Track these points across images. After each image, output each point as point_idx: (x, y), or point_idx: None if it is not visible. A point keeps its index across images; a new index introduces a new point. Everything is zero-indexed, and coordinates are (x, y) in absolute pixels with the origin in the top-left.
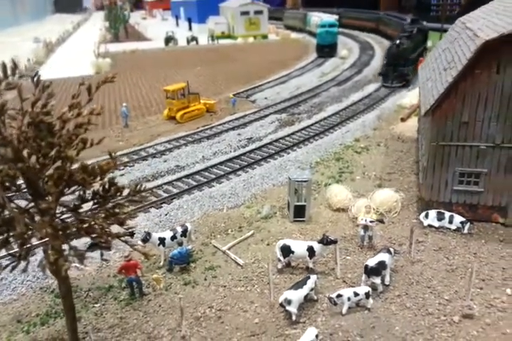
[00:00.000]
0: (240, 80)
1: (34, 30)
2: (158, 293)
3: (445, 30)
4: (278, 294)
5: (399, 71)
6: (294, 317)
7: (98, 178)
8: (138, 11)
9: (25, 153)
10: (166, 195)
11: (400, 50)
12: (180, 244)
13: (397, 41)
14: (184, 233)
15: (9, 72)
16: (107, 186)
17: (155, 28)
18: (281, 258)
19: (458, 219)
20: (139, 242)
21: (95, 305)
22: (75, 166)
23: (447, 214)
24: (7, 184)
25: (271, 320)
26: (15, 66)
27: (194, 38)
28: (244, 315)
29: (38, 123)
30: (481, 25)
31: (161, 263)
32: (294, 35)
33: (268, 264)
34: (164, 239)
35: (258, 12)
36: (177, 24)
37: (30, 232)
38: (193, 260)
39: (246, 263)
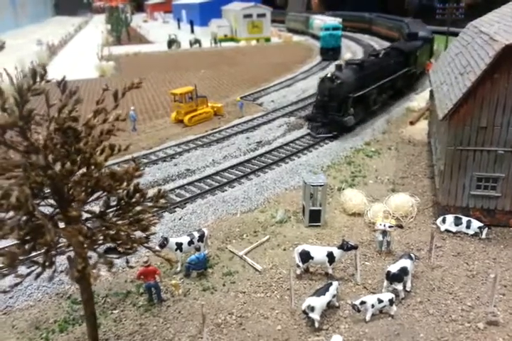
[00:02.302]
0: (245, 83)
1: (35, 33)
2: (177, 299)
3: (451, 34)
4: (298, 300)
5: (330, 117)
6: (317, 324)
7: (124, 184)
8: (139, 13)
9: (50, 159)
10: (178, 199)
11: (334, 86)
12: (197, 249)
13: (329, 74)
14: (201, 238)
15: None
16: (131, 192)
17: (156, 30)
18: (300, 263)
19: (476, 224)
20: (156, 247)
21: (114, 312)
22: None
23: (465, 219)
24: (35, 191)
25: (293, 327)
26: (44, 72)
27: (197, 41)
28: (266, 321)
29: (66, 129)
30: (497, 30)
31: (178, 269)
32: (296, 37)
33: (289, 271)
34: (181, 244)
35: (261, 15)
36: (179, 27)
37: (56, 239)
38: (210, 265)
39: (264, 268)
